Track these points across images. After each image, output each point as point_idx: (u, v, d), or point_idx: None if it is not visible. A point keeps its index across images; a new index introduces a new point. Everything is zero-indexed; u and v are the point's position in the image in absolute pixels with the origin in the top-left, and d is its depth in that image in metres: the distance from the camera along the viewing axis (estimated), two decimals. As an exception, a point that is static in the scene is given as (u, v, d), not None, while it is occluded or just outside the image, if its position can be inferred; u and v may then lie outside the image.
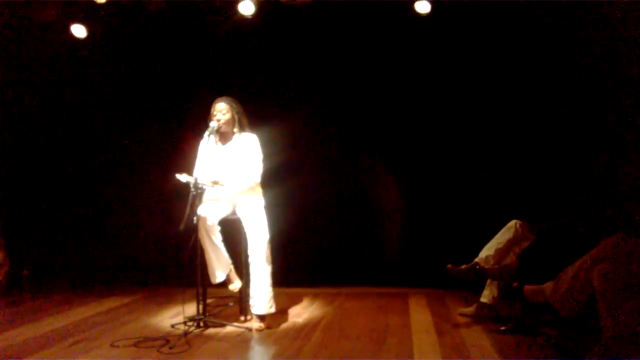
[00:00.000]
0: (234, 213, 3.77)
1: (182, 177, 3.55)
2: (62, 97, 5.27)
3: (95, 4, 4.58)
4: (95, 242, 5.28)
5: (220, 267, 3.69)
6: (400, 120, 4.79)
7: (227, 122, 3.72)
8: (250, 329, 3.55)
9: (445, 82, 4.66)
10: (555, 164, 4.26)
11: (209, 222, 3.57)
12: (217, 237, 3.65)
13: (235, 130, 3.76)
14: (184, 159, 3.92)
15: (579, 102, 4.20)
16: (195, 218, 3.46)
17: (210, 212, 3.59)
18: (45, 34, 4.92)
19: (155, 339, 3.34)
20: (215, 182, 3.65)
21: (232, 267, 3.78)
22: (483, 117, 4.57)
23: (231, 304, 4.09)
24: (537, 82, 4.40)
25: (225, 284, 3.78)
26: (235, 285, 3.79)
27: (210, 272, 3.69)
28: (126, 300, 4.52)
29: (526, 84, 4.44)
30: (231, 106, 3.74)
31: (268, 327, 3.58)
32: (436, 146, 4.73)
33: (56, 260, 5.29)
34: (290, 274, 4.50)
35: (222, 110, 3.71)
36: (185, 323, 3.52)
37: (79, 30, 4.84)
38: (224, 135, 3.79)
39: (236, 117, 3.74)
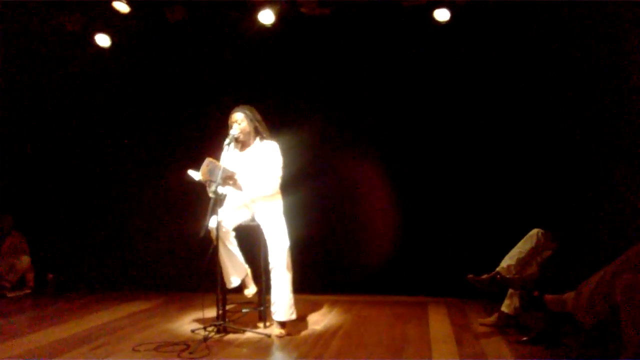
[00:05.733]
0: (253, 220, 3.79)
1: (194, 175, 3.59)
2: (87, 105, 5.38)
3: (119, 14, 4.69)
4: (117, 248, 5.37)
5: (234, 272, 3.73)
6: (423, 129, 4.78)
7: (243, 131, 3.74)
8: (269, 335, 3.56)
9: (466, 91, 4.65)
10: (578, 172, 4.21)
11: (222, 229, 3.59)
12: (232, 243, 3.69)
13: (254, 138, 3.78)
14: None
15: (601, 109, 4.15)
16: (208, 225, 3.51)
17: (224, 219, 3.62)
18: (71, 42, 5.05)
19: (175, 344, 3.37)
20: (228, 181, 3.59)
21: (248, 272, 3.81)
22: (506, 126, 4.55)
23: (244, 310, 4.10)
24: (559, 89, 4.37)
25: (240, 288, 3.81)
26: (250, 290, 3.82)
27: (225, 277, 3.71)
28: (147, 305, 4.59)
29: (548, 91, 4.42)
30: (246, 114, 3.74)
31: (288, 334, 3.60)
32: (456, 156, 4.71)
33: (79, 266, 5.39)
34: (308, 281, 4.50)
35: (237, 120, 3.73)
36: (205, 328, 3.55)
37: (102, 40, 4.96)
38: (243, 143, 3.80)
39: (252, 125, 3.75)
